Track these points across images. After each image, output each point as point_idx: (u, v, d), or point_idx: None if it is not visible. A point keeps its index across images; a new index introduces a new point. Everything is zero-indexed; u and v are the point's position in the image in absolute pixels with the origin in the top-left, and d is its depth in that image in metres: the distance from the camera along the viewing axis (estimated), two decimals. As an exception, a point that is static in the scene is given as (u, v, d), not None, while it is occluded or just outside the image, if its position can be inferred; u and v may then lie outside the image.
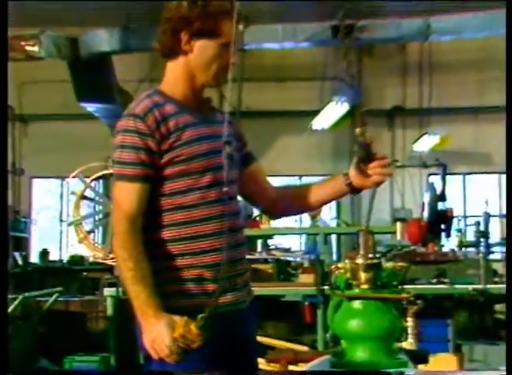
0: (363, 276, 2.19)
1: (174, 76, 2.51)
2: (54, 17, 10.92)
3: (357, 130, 2.56)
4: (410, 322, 2.24)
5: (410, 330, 2.21)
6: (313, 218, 9.43)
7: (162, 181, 2.40)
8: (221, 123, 2.45)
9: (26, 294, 6.76)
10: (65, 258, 12.11)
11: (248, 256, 7.09)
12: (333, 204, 12.11)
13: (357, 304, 2.19)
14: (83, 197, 6.76)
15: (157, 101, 2.42)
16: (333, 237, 9.00)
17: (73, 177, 6.88)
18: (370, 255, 2.19)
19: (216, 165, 2.41)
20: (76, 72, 8.88)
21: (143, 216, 2.38)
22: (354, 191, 2.61)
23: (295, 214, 3.16)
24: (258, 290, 5.97)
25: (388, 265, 2.29)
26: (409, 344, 2.40)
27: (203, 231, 2.42)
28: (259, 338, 5.45)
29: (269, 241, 7.65)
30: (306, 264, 6.83)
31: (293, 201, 2.69)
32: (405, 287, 2.29)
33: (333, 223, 11.36)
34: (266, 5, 9.52)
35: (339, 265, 2.25)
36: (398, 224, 9.14)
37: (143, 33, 8.63)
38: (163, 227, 2.42)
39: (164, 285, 2.39)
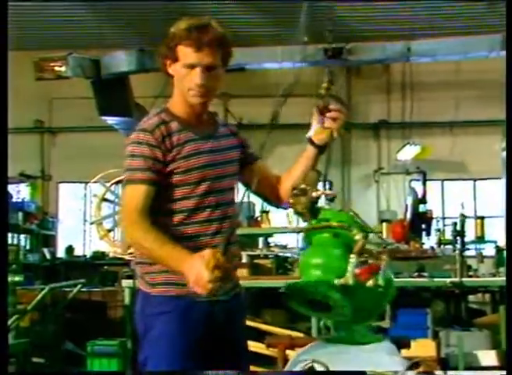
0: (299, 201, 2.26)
1: (174, 96, 2.58)
2: (79, 41, 10.95)
3: (323, 85, 2.54)
4: (352, 259, 2.09)
5: (349, 267, 2.05)
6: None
7: (167, 188, 2.47)
8: (223, 136, 2.61)
9: (54, 285, 6.76)
10: (88, 254, 12.12)
11: (250, 253, 7.11)
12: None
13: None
14: (104, 199, 6.77)
15: (163, 119, 2.49)
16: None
17: (95, 182, 6.90)
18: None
19: (212, 176, 2.51)
20: (98, 89, 8.87)
21: (151, 215, 2.42)
22: (318, 148, 2.63)
23: None
24: (259, 282, 6.07)
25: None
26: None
27: (197, 232, 2.49)
28: (259, 325, 5.47)
29: (269, 239, 7.63)
30: (301, 259, 6.78)
31: (289, 181, 2.68)
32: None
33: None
34: (266, 30, 9.53)
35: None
36: (384, 224, 9.15)
37: (156, 54, 8.67)
38: (168, 227, 2.47)
39: (159, 274, 2.47)
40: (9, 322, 5.00)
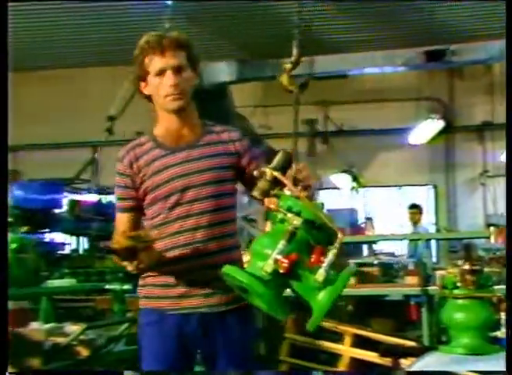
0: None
1: (156, 117, 2.62)
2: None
3: (287, 64, 2.50)
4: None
5: (273, 253, 1.94)
6: (414, 224, 9.29)
7: (145, 208, 2.57)
8: (207, 144, 2.59)
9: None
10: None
11: (355, 260, 6.99)
12: (432, 211, 12.02)
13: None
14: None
15: (139, 142, 2.60)
16: (433, 242, 8.77)
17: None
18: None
19: (180, 187, 2.51)
20: (200, 99, 8.97)
21: None
22: None
23: None
24: (366, 290, 5.95)
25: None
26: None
27: (166, 245, 2.50)
28: (369, 334, 5.35)
29: (374, 246, 7.51)
30: (410, 267, 6.67)
31: None
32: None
33: (432, 229, 11.16)
34: (363, 35, 9.42)
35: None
36: (491, 229, 8.83)
37: (256, 64, 8.74)
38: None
39: (143, 287, 2.59)
40: (120, 330, 5.08)
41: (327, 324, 5.54)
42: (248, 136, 2.76)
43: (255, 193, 2.15)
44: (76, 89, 11.58)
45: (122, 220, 2.59)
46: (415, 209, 9.55)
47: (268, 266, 1.94)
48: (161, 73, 2.50)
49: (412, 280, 5.96)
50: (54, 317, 4.78)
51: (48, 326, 3.93)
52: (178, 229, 2.52)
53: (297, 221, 1.98)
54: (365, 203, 11.90)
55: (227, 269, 2.03)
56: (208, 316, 2.50)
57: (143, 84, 2.56)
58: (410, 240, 8.84)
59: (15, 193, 8.29)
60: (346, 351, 5.24)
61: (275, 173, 2.11)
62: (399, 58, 7.45)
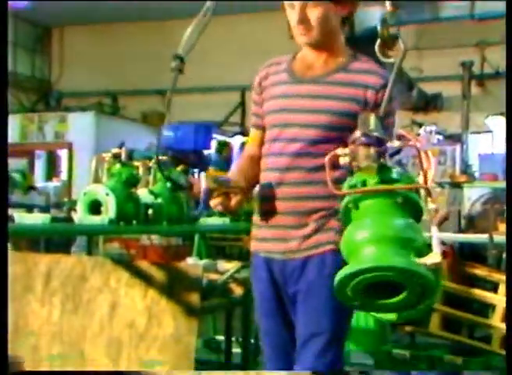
0: (362, 152, 1.70)
1: None
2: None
3: None
4: (434, 232, 1.65)
5: (436, 242, 1.59)
6: None
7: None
8: (336, 83, 2.32)
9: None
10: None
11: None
12: None
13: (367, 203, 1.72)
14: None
15: (279, 61, 2.47)
16: None
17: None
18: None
19: (284, 122, 2.34)
20: (351, 45, 8.84)
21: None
22: None
23: None
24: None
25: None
26: (433, 256, 1.68)
27: (262, 180, 2.41)
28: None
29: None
30: None
31: None
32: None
33: None
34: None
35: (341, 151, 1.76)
36: None
37: (410, 6, 8.46)
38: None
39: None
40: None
41: (481, 272, 5.34)
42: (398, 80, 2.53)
43: (360, 160, 1.74)
44: (224, 32, 11.65)
45: (252, 137, 2.53)
46: None
47: (438, 258, 1.64)
48: (291, 6, 2.31)
49: None
50: (207, 254, 4.89)
51: (203, 262, 4.01)
52: (271, 165, 2.38)
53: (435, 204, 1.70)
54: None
55: (391, 261, 1.62)
56: (289, 261, 2.37)
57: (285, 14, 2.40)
58: None
59: (165, 135, 8.51)
60: (500, 300, 5.02)
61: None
62: None
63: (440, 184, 7.18)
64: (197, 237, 4.86)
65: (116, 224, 3.16)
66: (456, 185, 7.13)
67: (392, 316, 1.75)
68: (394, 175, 1.73)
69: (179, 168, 3.72)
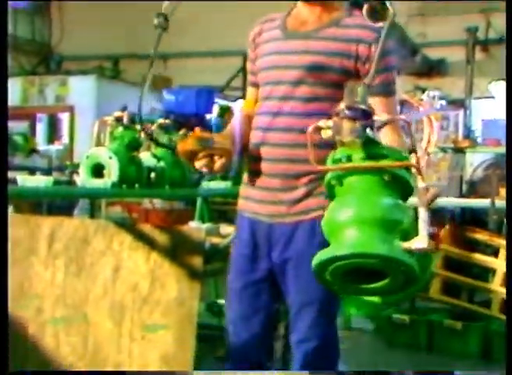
0: (346, 126, 1.58)
1: None
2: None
3: None
4: (422, 213, 1.51)
5: (423, 225, 1.49)
6: None
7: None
8: (326, 38, 2.26)
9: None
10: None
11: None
12: None
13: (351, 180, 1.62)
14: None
15: (273, 17, 2.43)
16: None
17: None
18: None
19: (274, 80, 2.30)
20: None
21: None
22: None
23: None
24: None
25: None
26: (420, 240, 1.55)
27: (253, 140, 2.36)
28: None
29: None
30: None
31: None
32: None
33: None
34: None
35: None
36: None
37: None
38: None
39: None
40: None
41: (481, 237, 5.36)
42: (402, 44, 2.49)
43: (345, 134, 1.61)
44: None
45: (248, 95, 2.49)
46: None
47: (426, 242, 1.52)
48: None
49: None
50: (209, 218, 4.89)
51: (205, 225, 4.01)
52: (261, 125, 2.33)
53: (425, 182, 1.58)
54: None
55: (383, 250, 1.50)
56: (276, 225, 2.32)
57: None
58: None
59: (167, 99, 8.46)
60: (501, 265, 5.05)
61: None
62: None
63: (443, 149, 7.16)
64: (199, 201, 4.86)
65: (119, 187, 3.15)
66: (459, 150, 7.12)
67: (376, 301, 1.67)
68: (381, 151, 1.63)
69: (181, 132, 3.70)
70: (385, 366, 4.89)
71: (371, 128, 1.60)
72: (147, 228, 3.63)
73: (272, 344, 2.54)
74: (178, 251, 3.48)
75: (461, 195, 6.87)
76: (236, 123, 2.44)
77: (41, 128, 12.04)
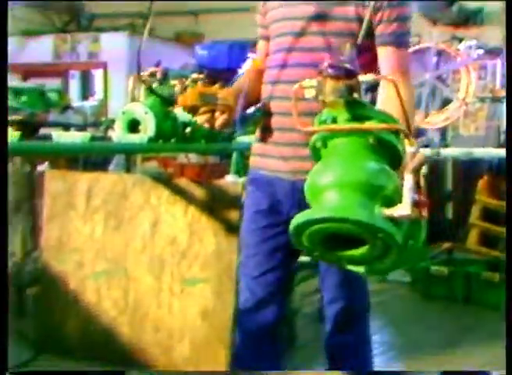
0: (329, 85, 1.50)
1: None
2: None
3: None
4: (407, 180, 1.44)
5: (406, 192, 1.42)
6: None
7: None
8: (333, 3, 2.16)
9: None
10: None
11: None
12: None
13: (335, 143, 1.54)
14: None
15: None
16: None
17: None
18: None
19: (286, 46, 2.23)
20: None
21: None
22: None
23: None
24: None
25: None
26: (403, 207, 1.46)
27: (264, 94, 2.32)
28: None
29: None
30: None
31: None
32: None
33: None
34: None
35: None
36: None
37: None
38: None
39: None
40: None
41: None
42: None
43: (327, 92, 1.52)
44: None
45: (259, 49, 2.44)
46: None
47: (409, 209, 1.43)
48: None
49: None
50: (245, 172, 4.87)
51: (241, 179, 4.01)
52: (275, 78, 2.26)
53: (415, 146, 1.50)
54: None
55: (353, 210, 1.42)
56: (299, 182, 2.24)
57: None
58: None
59: (199, 54, 8.41)
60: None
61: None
62: None
63: (481, 99, 7.04)
64: (234, 155, 4.85)
65: (155, 142, 3.15)
66: (497, 100, 6.98)
67: (360, 269, 1.60)
68: (368, 112, 1.53)
69: (216, 86, 3.67)
70: (421, 317, 4.90)
71: (358, 89, 1.51)
72: (183, 182, 3.63)
73: (285, 305, 2.46)
74: (215, 205, 3.48)
75: (499, 145, 6.76)
76: (243, 79, 2.40)
77: (74, 85, 12.07)
